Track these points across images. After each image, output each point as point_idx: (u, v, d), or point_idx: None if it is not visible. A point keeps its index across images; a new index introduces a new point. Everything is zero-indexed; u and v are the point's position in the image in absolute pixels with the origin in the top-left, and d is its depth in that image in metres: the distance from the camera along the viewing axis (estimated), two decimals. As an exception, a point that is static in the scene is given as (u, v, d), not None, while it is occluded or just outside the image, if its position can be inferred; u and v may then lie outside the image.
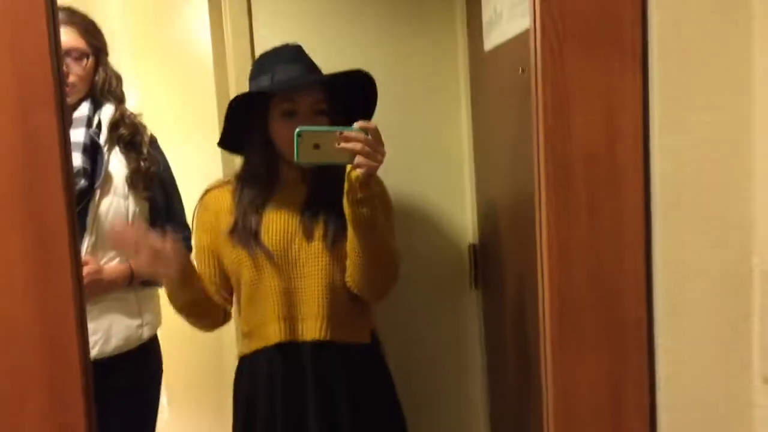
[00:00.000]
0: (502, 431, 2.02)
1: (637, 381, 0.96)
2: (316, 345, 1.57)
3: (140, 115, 1.90)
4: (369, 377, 1.67)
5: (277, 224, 1.58)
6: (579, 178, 0.91)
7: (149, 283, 1.89)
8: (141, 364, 1.97)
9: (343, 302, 1.59)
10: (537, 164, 0.91)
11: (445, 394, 2.24)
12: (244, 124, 1.60)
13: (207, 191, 1.69)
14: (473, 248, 2.10)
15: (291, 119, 1.52)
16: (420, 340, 2.18)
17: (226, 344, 2.24)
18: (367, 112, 1.66)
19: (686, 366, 0.94)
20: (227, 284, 1.66)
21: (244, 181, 1.62)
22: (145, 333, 1.90)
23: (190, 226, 1.72)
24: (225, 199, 1.64)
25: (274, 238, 1.57)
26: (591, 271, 0.93)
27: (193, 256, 1.69)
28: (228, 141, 1.66)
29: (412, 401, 1.85)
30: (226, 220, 1.61)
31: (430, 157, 2.09)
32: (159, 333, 2.24)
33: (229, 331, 1.96)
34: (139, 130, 1.85)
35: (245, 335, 1.65)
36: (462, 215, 2.11)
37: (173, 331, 2.70)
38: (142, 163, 1.80)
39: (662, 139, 0.91)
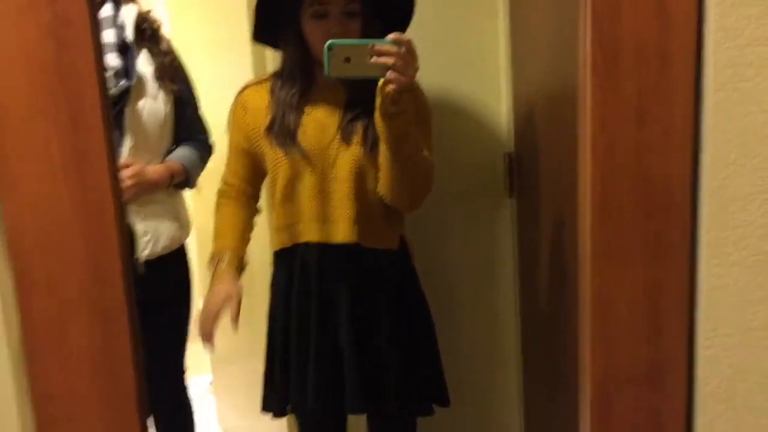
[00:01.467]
0: (534, 342, 2.04)
1: (678, 296, 0.93)
2: (347, 247, 1.58)
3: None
4: (396, 282, 1.69)
5: (315, 124, 1.57)
6: (627, 70, 0.86)
7: (181, 184, 1.92)
8: (183, 264, 2.03)
9: (374, 208, 1.60)
10: (583, 53, 0.86)
11: (476, 304, 2.25)
12: (278, 18, 1.56)
13: (244, 88, 1.68)
14: (509, 157, 2.06)
15: (322, 19, 1.48)
16: (453, 251, 2.18)
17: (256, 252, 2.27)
18: (404, 17, 1.60)
19: (729, 282, 0.92)
20: (259, 181, 1.71)
21: (282, 78, 1.60)
22: (184, 236, 1.95)
23: (227, 125, 1.71)
24: (263, 97, 1.62)
25: (311, 138, 1.56)
26: (637, 177, 0.90)
27: (226, 153, 1.72)
28: (262, 34, 1.62)
29: (443, 309, 1.87)
30: (264, 118, 1.60)
31: (466, 63, 2.03)
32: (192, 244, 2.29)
33: (259, 238, 1.99)
34: (158, 24, 1.84)
35: (278, 231, 1.67)
36: (498, 122, 2.06)
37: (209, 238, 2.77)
38: (165, 57, 1.79)
39: (717, 23, 0.85)
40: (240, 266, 1.69)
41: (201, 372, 3.28)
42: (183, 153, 1.93)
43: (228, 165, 1.73)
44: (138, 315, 1.94)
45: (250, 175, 1.70)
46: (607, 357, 0.94)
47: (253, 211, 1.76)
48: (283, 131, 1.56)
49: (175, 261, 1.96)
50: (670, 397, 0.95)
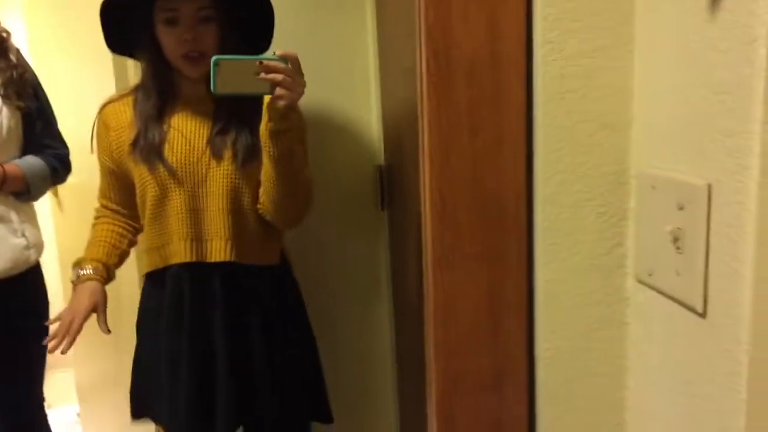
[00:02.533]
0: (405, 353, 2.05)
1: (517, 302, 0.96)
2: (223, 266, 1.52)
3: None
4: (278, 298, 1.65)
5: (182, 139, 1.51)
6: (460, 80, 0.88)
7: (22, 194, 1.81)
8: (36, 287, 1.90)
9: (250, 223, 1.55)
10: (419, 65, 0.87)
11: (353, 315, 2.25)
12: (131, 26, 1.49)
13: (105, 105, 1.59)
14: (380, 169, 2.07)
15: (174, 26, 1.43)
16: (329, 263, 2.16)
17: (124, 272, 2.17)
18: (263, 25, 1.57)
19: (565, 287, 0.95)
20: (134, 202, 1.60)
21: (143, 91, 1.53)
22: (33, 256, 1.82)
23: (91, 144, 1.62)
24: (125, 113, 1.55)
25: (178, 154, 1.50)
26: (473, 186, 0.91)
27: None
28: (118, 44, 1.55)
29: (321, 322, 1.85)
30: (128, 135, 1.52)
31: (337, 76, 2.03)
32: (53, 267, 2.14)
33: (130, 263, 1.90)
34: (6, 36, 1.73)
35: (149, 252, 1.59)
36: (369, 136, 2.08)
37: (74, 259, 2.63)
38: (13, 71, 1.68)
39: (544, 36, 0.89)
40: (106, 277, 1.59)
41: (68, 402, 3.11)
42: (25, 160, 1.81)
43: (100, 187, 1.65)
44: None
45: (123, 197, 1.62)
46: (449, 365, 0.94)
47: (130, 232, 1.66)
48: (147, 147, 1.49)
49: (24, 284, 1.83)
50: (512, 403, 0.97)
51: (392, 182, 1.98)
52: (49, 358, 2.37)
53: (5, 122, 1.70)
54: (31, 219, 1.87)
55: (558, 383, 0.97)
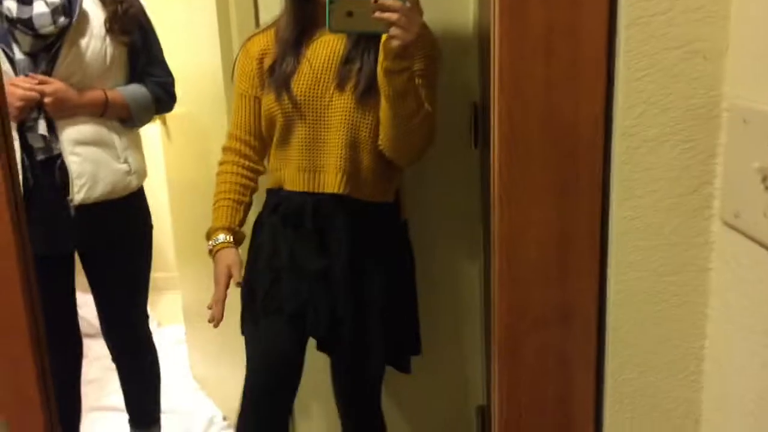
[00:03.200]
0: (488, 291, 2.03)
1: (589, 238, 0.91)
2: (335, 198, 1.55)
3: None
4: (386, 235, 1.67)
5: (311, 71, 1.54)
6: (536, 3, 0.83)
7: (125, 121, 1.89)
8: (136, 212, 2.00)
9: (366, 158, 1.57)
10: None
11: (446, 255, 2.24)
12: None
13: (250, 38, 1.66)
14: (475, 106, 2.02)
15: None
16: (423, 202, 2.15)
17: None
18: None
19: (640, 225, 0.89)
20: (266, 134, 1.64)
21: (284, 20, 1.58)
22: (134, 182, 1.91)
23: (231, 75, 1.68)
24: (268, 43, 1.60)
25: (304, 85, 1.54)
26: (545, 111, 0.87)
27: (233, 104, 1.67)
28: None
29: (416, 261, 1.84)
30: (269, 62, 1.58)
31: (439, 11, 1.98)
32: (162, 194, 2.23)
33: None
34: None
35: (272, 172, 1.65)
36: (467, 71, 2.02)
37: (181, 187, 2.75)
38: (119, 6, 1.74)
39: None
40: (234, 241, 1.65)
41: (175, 322, 3.30)
42: (128, 88, 1.89)
43: (234, 122, 1.68)
44: (88, 260, 1.95)
45: (256, 126, 1.65)
46: (515, 299, 0.92)
47: (253, 179, 1.70)
48: (280, 76, 1.54)
49: (124, 208, 1.92)
50: (580, 341, 0.94)
51: (485, 119, 1.93)
52: (156, 281, 2.52)
53: (109, 51, 1.77)
54: (135, 145, 1.96)
55: (630, 325, 0.93)
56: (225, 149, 1.70)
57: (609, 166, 0.89)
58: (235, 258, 1.62)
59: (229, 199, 1.66)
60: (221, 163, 1.70)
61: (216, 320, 1.60)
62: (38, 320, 0.86)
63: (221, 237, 1.63)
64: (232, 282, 1.62)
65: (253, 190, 1.71)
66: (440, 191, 2.17)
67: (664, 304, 0.92)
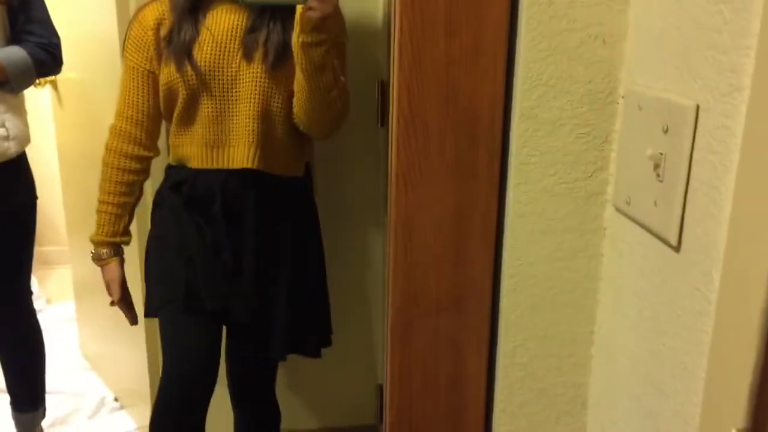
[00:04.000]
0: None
1: (485, 222, 0.90)
2: (245, 173, 1.48)
3: None
4: (295, 210, 1.61)
5: (212, 40, 1.45)
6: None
7: (3, 84, 1.75)
8: (11, 185, 1.86)
9: (278, 130, 1.50)
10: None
11: (351, 239, 2.21)
12: None
13: (142, 7, 1.53)
14: (381, 83, 1.99)
15: None
16: (330, 182, 2.11)
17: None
18: None
19: (536, 209, 0.89)
20: (159, 113, 1.54)
21: None
22: (12, 148, 1.78)
23: (121, 49, 1.55)
24: (164, 11, 1.49)
25: (208, 54, 1.44)
26: (445, 90, 0.84)
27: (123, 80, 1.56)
28: None
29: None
30: (162, 34, 1.47)
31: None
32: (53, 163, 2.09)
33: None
34: None
35: (174, 148, 1.55)
36: (374, 48, 1.98)
37: (72, 156, 2.60)
38: None
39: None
40: (121, 250, 1.62)
41: (65, 299, 3.14)
42: (5, 49, 1.74)
43: (123, 96, 1.55)
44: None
45: (150, 104, 1.54)
46: (409, 284, 0.90)
47: (147, 162, 1.59)
48: (179, 46, 1.44)
49: (2, 177, 1.79)
50: (473, 326, 0.93)
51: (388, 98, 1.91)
52: (46, 255, 2.38)
53: None
54: (15, 110, 1.82)
55: (522, 309, 0.92)
56: (113, 132, 1.58)
57: (507, 147, 0.88)
58: (116, 274, 1.61)
59: (112, 204, 1.59)
60: (108, 150, 1.59)
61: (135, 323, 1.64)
62: None
63: (104, 252, 1.60)
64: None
65: (143, 181, 1.61)
66: (347, 170, 2.14)
67: (557, 290, 0.92)
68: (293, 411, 2.25)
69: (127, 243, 1.62)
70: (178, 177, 1.54)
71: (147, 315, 1.63)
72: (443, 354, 0.92)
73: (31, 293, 2.07)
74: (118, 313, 1.81)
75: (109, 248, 1.59)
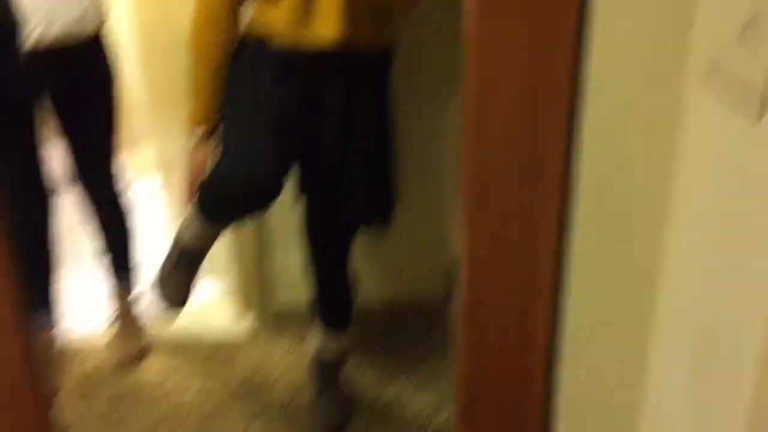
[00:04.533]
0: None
1: (562, 78, 0.88)
2: (330, 50, 1.49)
3: None
4: (375, 84, 1.63)
5: None
6: None
7: None
8: (93, 59, 1.91)
9: (362, 6, 1.49)
10: None
11: (425, 110, 2.21)
12: None
13: None
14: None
15: None
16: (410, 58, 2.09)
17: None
18: None
19: (616, 50, 0.85)
20: None
21: None
22: (93, 23, 1.81)
23: None
24: None
25: None
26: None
27: None
28: None
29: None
30: None
31: None
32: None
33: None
34: None
35: (255, 24, 1.56)
36: None
37: (150, 33, 2.63)
38: None
39: None
40: (213, 132, 1.64)
41: (150, 174, 3.27)
42: None
43: None
44: (54, 108, 1.89)
45: None
46: (484, 150, 0.90)
47: (233, 44, 1.60)
48: None
49: (85, 52, 1.84)
50: (548, 191, 0.93)
51: None
52: (132, 133, 2.46)
53: None
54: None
55: (595, 169, 0.92)
56: (201, 15, 1.56)
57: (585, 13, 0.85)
58: (203, 159, 1.63)
59: (203, 88, 1.60)
60: (194, 34, 1.59)
61: None
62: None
63: (199, 131, 1.62)
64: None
65: (229, 59, 1.62)
66: (424, 43, 2.11)
67: (634, 159, 0.91)
68: (367, 284, 2.33)
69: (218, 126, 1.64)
70: (261, 53, 1.55)
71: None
72: (516, 222, 0.94)
73: (119, 168, 2.17)
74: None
75: (205, 126, 1.62)
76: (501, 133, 0.89)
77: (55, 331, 2.26)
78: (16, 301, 0.88)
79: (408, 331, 2.42)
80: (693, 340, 0.89)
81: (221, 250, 2.45)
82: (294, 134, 1.56)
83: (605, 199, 0.93)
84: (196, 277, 1.79)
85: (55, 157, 2.18)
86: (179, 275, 1.74)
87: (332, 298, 1.99)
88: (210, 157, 1.64)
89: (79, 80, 1.88)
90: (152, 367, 2.27)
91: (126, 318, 2.31)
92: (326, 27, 1.48)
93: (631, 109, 0.88)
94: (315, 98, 1.56)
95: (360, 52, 1.54)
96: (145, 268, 2.48)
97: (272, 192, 1.57)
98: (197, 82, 1.60)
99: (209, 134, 1.63)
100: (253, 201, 1.59)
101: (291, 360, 2.29)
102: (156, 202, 3.11)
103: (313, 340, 2.05)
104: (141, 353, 2.29)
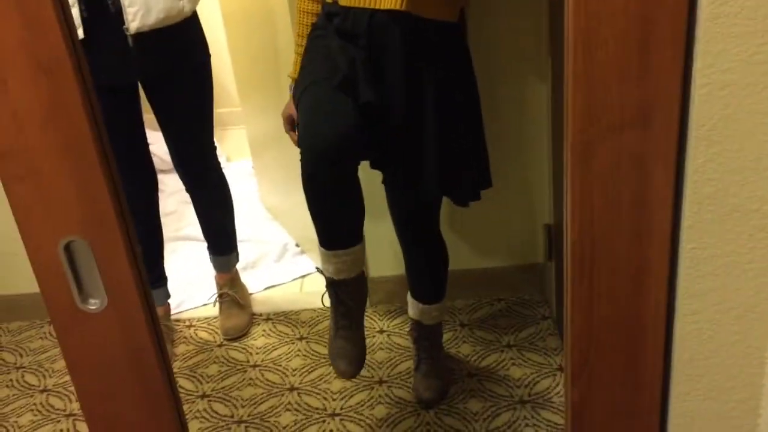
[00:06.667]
0: (558, 112, 1.95)
1: (674, 26, 0.83)
2: (393, 13, 1.48)
3: None
4: (445, 55, 1.60)
5: None
6: None
7: None
8: (192, 38, 1.97)
9: None
10: None
11: (509, 74, 2.16)
12: None
13: None
14: None
15: None
16: (486, 22, 2.05)
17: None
18: None
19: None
20: None
21: None
22: (186, 6, 1.87)
23: None
24: None
25: None
26: None
27: None
28: None
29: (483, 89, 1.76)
30: None
31: None
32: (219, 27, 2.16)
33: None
34: None
35: None
36: None
37: (237, 17, 2.68)
38: None
39: None
40: None
41: (243, 156, 3.36)
42: None
43: None
44: (152, 91, 1.96)
45: None
46: (590, 100, 0.86)
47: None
48: None
49: (180, 35, 1.90)
50: (660, 141, 0.88)
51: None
52: (219, 116, 2.53)
53: None
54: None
55: (714, 121, 0.86)
56: None
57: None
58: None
59: (302, 45, 1.67)
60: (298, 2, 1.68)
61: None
62: (105, 140, 0.86)
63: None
64: None
65: None
66: (504, 15, 2.06)
67: (754, 98, 0.85)
68: (459, 251, 2.31)
69: None
70: (332, 9, 1.56)
71: (296, 103, 1.60)
72: (627, 173, 0.90)
73: (215, 149, 2.23)
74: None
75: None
76: (610, 77, 0.85)
77: (166, 307, 2.36)
78: (137, 270, 0.92)
79: (505, 299, 2.40)
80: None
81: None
82: (364, 94, 1.53)
83: (724, 140, 0.87)
84: (361, 330, 1.73)
85: (157, 141, 2.26)
86: (342, 340, 1.69)
87: (423, 271, 1.98)
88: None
89: (176, 63, 1.94)
90: (257, 341, 2.34)
91: (229, 295, 2.38)
92: None
93: (750, 37, 0.82)
94: (378, 64, 1.54)
95: (423, 19, 1.51)
96: (243, 248, 2.55)
97: (359, 143, 1.53)
98: (297, 39, 1.70)
99: None
100: (344, 154, 1.52)
101: (390, 331, 2.31)
102: (250, 183, 3.19)
103: (410, 312, 2.05)
104: (245, 327, 2.36)
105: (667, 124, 0.88)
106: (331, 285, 1.67)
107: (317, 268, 1.81)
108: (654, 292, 0.96)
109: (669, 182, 0.90)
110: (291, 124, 1.74)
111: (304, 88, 1.56)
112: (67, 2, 0.85)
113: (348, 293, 1.66)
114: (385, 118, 1.57)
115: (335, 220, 1.63)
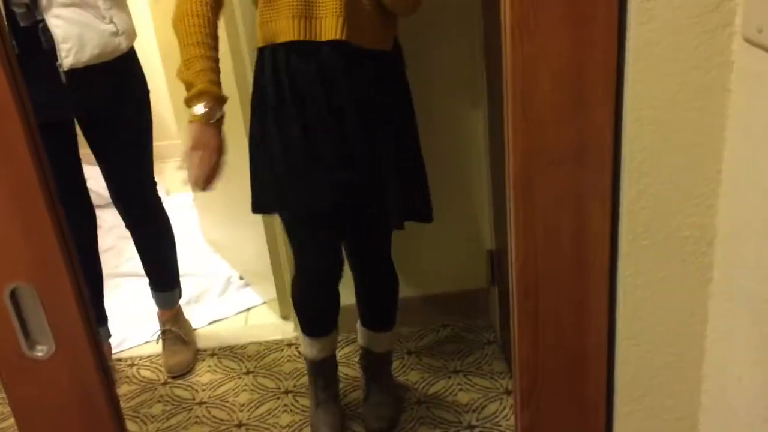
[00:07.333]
0: (495, 143, 2.01)
1: (605, 65, 0.88)
2: (334, 44, 1.51)
3: None
4: (386, 83, 1.64)
5: None
6: None
7: None
8: (129, 74, 1.95)
9: (365, 4, 1.51)
10: None
11: (450, 111, 2.21)
12: None
13: None
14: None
15: None
16: (425, 52, 2.10)
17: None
18: None
19: (657, 50, 0.86)
20: None
21: None
22: (123, 43, 1.85)
23: None
24: None
25: None
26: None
27: None
28: None
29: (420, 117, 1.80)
30: None
31: None
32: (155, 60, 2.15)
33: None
34: None
35: (261, 26, 1.58)
36: None
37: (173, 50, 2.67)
38: None
39: None
40: (220, 108, 1.58)
41: (182, 190, 3.31)
42: None
43: None
44: (89, 128, 1.93)
45: None
46: (529, 139, 0.90)
47: (219, 5, 1.61)
48: None
49: (117, 71, 1.88)
50: (595, 176, 0.93)
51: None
52: (158, 149, 2.50)
53: None
54: (119, 5, 1.88)
55: (645, 154, 0.92)
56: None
57: (625, -12, 0.85)
58: (218, 151, 1.58)
59: (207, 57, 1.56)
60: (179, 11, 1.59)
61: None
62: (50, 182, 0.86)
63: (204, 106, 1.54)
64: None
65: (218, 25, 1.61)
66: (437, 43, 2.11)
67: (682, 132, 0.91)
68: (404, 278, 2.33)
69: (223, 99, 1.58)
70: (273, 60, 1.57)
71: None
72: (566, 207, 0.94)
73: (155, 184, 2.20)
74: (233, 198, 1.92)
75: (213, 101, 1.54)
76: (547, 117, 0.89)
77: (107, 346, 2.30)
78: (85, 313, 0.90)
79: (450, 325, 2.43)
80: (754, 307, 0.89)
81: (263, 259, 2.47)
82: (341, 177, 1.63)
83: (656, 172, 0.92)
84: (338, 401, 2.04)
85: (93, 176, 2.22)
86: (323, 411, 1.99)
87: (375, 298, 2.00)
88: (219, 140, 1.57)
89: (112, 99, 1.92)
90: (202, 377, 2.30)
91: (172, 332, 2.34)
92: (327, 24, 1.49)
93: (677, 76, 0.88)
94: (338, 114, 1.58)
95: (365, 48, 1.56)
96: (185, 283, 2.51)
97: (340, 265, 1.85)
98: (191, 50, 1.58)
99: (212, 113, 1.55)
100: (334, 274, 1.84)
101: (339, 361, 2.31)
102: (191, 215, 3.15)
103: (360, 340, 2.06)
104: (189, 364, 2.32)
105: (601, 159, 0.93)
106: (312, 364, 1.96)
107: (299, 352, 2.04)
108: (595, 318, 1.00)
109: (606, 214, 0.95)
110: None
111: (273, 208, 1.75)
112: (9, 42, 0.84)
113: (325, 370, 1.97)
114: (350, 167, 1.61)
115: (319, 318, 1.91)
